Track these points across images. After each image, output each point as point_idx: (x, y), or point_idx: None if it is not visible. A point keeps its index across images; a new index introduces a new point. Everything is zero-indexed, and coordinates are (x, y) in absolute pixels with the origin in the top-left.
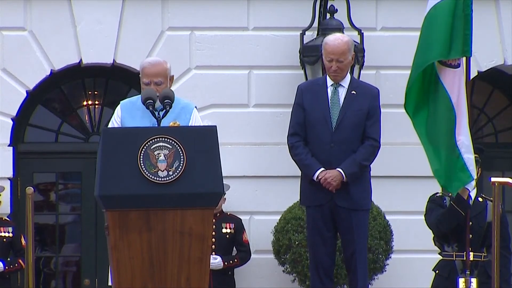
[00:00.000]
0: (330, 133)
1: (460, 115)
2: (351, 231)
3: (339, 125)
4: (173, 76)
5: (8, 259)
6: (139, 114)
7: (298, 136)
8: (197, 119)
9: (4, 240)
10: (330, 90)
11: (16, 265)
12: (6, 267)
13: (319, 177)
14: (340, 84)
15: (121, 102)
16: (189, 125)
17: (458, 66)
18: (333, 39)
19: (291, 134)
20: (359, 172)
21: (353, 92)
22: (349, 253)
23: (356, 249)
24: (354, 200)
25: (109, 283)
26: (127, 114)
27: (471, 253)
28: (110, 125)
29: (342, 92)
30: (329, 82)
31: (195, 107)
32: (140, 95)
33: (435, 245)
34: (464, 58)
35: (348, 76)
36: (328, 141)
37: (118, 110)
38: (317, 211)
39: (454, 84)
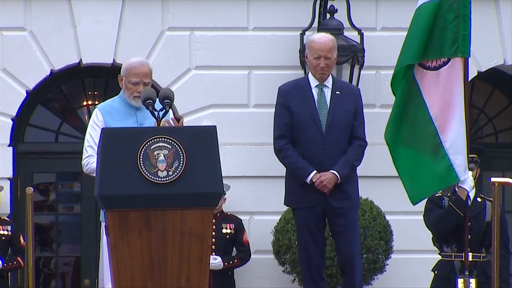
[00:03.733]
0: (321, 135)
1: (451, 115)
2: (346, 232)
3: (329, 127)
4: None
5: (7, 257)
6: (121, 115)
7: (286, 139)
8: (172, 116)
9: (3, 238)
10: (315, 91)
11: (15, 263)
12: (5, 265)
13: (314, 180)
14: (325, 85)
15: (97, 106)
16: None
17: (439, 67)
18: (320, 36)
19: (278, 137)
20: (351, 173)
21: (338, 92)
22: (347, 253)
23: (353, 249)
24: (348, 199)
25: (105, 286)
26: (109, 117)
27: (470, 254)
28: (91, 132)
29: (328, 93)
30: (313, 83)
31: None
32: (115, 97)
33: (434, 245)
34: (462, 59)
35: (330, 76)
36: (319, 143)
37: (97, 115)
38: (309, 212)
39: (433, 85)
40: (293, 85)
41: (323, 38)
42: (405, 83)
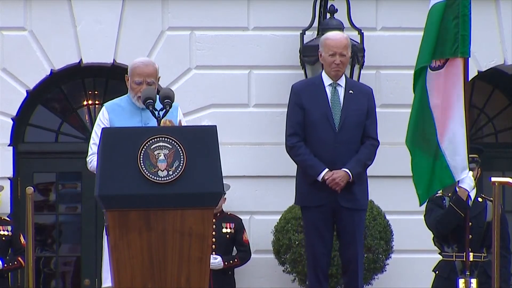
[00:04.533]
0: (334, 134)
1: (449, 115)
2: (352, 232)
3: (342, 126)
4: (159, 77)
5: (7, 257)
6: (126, 114)
7: (298, 137)
8: (181, 117)
9: (3, 238)
10: (329, 90)
11: (16, 263)
12: (5, 265)
13: (326, 177)
14: (338, 84)
15: (104, 104)
16: (177, 122)
17: (439, 68)
18: (335, 34)
19: (291, 135)
20: (363, 172)
21: (351, 91)
22: (350, 254)
23: (358, 250)
24: (357, 200)
25: (103, 285)
26: (114, 116)
27: (471, 254)
28: (97, 129)
29: (341, 92)
30: (326, 81)
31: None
32: (123, 96)
33: (435, 245)
34: (462, 59)
35: (343, 75)
36: (332, 142)
37: (103, 113)
38: (318, 211)
39: (435, 86)
40: (306, 83)
41: (338, 35)
42: (419, 86)
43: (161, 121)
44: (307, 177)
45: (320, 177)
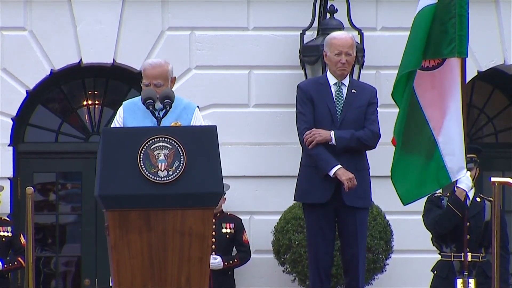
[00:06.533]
0: (335, 129)
1: (446, 115)
2: (354, 232)
3: (342, 121)
4: (174, 77)
5: (7, 258)
6: (140, 114)
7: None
8: (198, 119)
9: (3, 239)
10: (333, 89)
11: (16, 263)
12: (5, 266)
13: (339, 173)
14: (343, 83)
15: (123, 102)
16: (191, 124)
17: (433, 68)
18: (340, 33)
19: (308, 128)
20: (350, 142)
21: (353, 90)
22: (353, 253)
23: (359, 250)
24: (361, 199)
25: (111, 284)
26: (128, 114)
27: (469, 254)
28: (112, 126)
29: (345, 91)
30: (331, 81)
31: (197, 106)
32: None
33: (433, 245)
34: (459, 59)
35: (347, 76)
36: None
37: (120, 110)
38: (321, 210)
39: (427, 86)
40: (312, 81)
41: (344, 34)
42: (407, 89)
43: (172, 123)
44: (318, 170)
45: (332, 172)
